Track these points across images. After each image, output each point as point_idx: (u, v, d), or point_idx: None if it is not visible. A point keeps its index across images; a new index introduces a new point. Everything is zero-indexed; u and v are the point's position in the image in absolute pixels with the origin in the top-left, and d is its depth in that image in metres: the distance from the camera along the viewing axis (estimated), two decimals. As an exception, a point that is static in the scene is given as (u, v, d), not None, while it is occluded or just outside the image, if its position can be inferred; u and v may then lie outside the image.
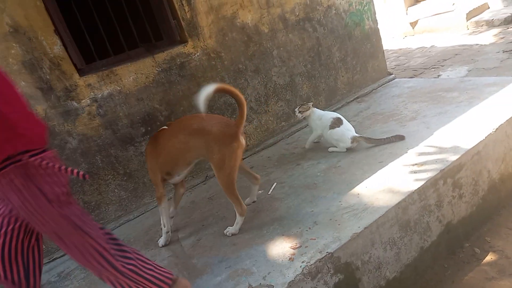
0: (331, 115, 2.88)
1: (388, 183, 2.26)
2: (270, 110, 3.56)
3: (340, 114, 2.91)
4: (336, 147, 2.88)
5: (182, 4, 2.97)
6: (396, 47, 6.88)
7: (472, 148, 2.38)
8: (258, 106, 3.49)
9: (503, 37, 5.44)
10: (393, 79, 4.39)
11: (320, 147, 3.07)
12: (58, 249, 2.67)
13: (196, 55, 3.07)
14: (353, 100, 4.07)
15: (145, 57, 2.88)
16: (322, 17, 3.79)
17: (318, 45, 3.80)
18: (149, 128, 2.93)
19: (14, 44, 2.40)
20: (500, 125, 2.54)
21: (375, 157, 2.64)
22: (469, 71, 4.59)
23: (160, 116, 2.96)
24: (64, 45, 2.57)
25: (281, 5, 3.48)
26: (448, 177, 2.27)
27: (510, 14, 6.27)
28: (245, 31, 3.32)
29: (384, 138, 2.77)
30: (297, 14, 3.61)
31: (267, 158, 3.25)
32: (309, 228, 2.08)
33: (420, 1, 8.09)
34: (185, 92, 3.06)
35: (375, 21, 4.24)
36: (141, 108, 2.89)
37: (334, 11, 3.88)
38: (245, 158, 3.37)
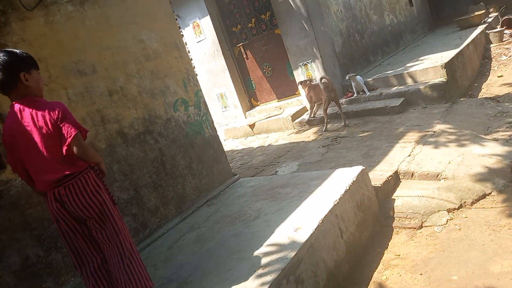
0: None
1: (237, 293, 2.26)
2: (114, 228, 3.30)
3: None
4: None
5: None
6: (241, 147, 7.53)
7: (305, 241, 2.62)
8: (100, 226, 3.20)
9: (320, 134, 6.57)
10: (238, 179, 4.70)
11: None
12: None
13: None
14: (203, 204, 4.14)
15: None
16: (162, 129, 3.94)
17: (161, 155, 3.87)
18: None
19: None
20: (325, 215, 2.90)
21: (224, 264, 2.65)
22: (299, 165, 5.28)
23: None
24: None
25: (118, 121, 3.49)
26: (290, 275, 2.40)
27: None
28: (79, 149, 3.15)
29: None
30: (136, 128, 3.67)
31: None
32: None
33: (255, 106, 9.29)
34: (5, 225, 2.61)
35: (214, 129, 4.62)
36: None
37: (174, 123, 4.09)
38: None
